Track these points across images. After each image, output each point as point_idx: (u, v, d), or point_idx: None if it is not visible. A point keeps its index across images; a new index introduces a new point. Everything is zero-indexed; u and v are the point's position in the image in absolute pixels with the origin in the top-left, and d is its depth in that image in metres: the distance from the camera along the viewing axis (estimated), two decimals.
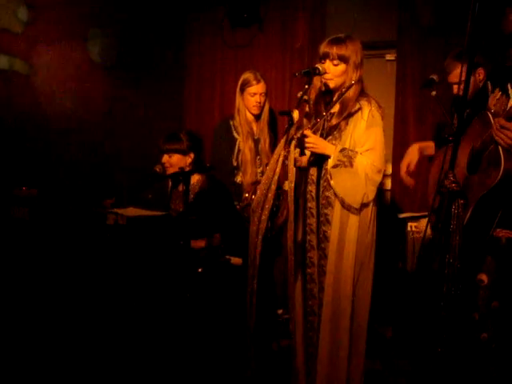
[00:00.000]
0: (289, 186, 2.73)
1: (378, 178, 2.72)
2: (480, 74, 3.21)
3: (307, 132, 2.74)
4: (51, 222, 3.27)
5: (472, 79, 3.11)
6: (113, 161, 4.53)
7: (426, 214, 3.59)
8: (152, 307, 3.02)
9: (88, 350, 3.03)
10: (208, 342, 3.11)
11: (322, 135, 2.83)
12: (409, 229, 3.74)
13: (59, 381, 2.92)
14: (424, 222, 3.68)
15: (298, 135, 2.75)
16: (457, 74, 3.09)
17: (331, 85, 2.79)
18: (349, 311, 2.75)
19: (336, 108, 2.80)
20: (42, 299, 3.18)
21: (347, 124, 2.76)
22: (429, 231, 2.65)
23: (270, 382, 3.00)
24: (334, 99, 2.78)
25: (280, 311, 4.03)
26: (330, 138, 2.80)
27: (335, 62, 2.74)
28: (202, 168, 3.52)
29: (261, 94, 3.84)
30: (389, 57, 4.59)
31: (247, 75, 3.86)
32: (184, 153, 3.52)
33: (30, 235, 3.29)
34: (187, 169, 3.45)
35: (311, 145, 2.73)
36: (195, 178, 3.58)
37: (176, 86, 5.09)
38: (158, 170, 3.51)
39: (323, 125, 2.84)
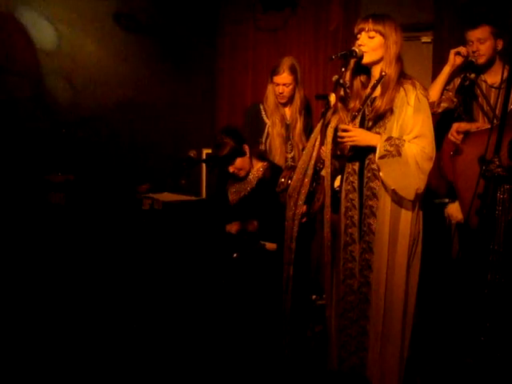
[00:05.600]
0: (325, 171, 2.68)
1: (428, 167, 2.58)
2: (499, 44, 3.23)
3: (344, 126, 2.63)
4: (88, 208, 3.31)
5: (492, 44, 3.20)
6: (147, 146, 4.55)
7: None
8: (187, 291, 3.03)
9: (127, 329, 3.09)
10: (243, 326, 3.12)
11: (362, 124, 2.71)
12: (446, 214, 3.66)
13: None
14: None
15: (334, 125, 2.67)
16: (480, 31, 3.19)
17: (365, 59, 2.64)
18: (401, 306, 2.68)
19: (377, 92, 2.68)
20: (81, 282, 3.23)
21: (392, 111, 2.62)
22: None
23: (305, 368, 2.99)
24: (374, 82, 2.66)
25: (314, 297, 4.01)
26: (375, 127, 2.67)
27: (371, 33, 2.60)
28: (237, 152, 3.46)
29: (284, 85, 3.75)
30: (425, 39, 4.46)
31: (277, 63, 3.79)
32: (236, 152, 3.46)
33: (67, 220, 3.33)
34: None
35: (352, 139, 2.62)
36: (257, 165, 3.57)
37: (209, 70, 5.07)
38: (192, 155, 3.47)
39: (364, 112, 2.71)
